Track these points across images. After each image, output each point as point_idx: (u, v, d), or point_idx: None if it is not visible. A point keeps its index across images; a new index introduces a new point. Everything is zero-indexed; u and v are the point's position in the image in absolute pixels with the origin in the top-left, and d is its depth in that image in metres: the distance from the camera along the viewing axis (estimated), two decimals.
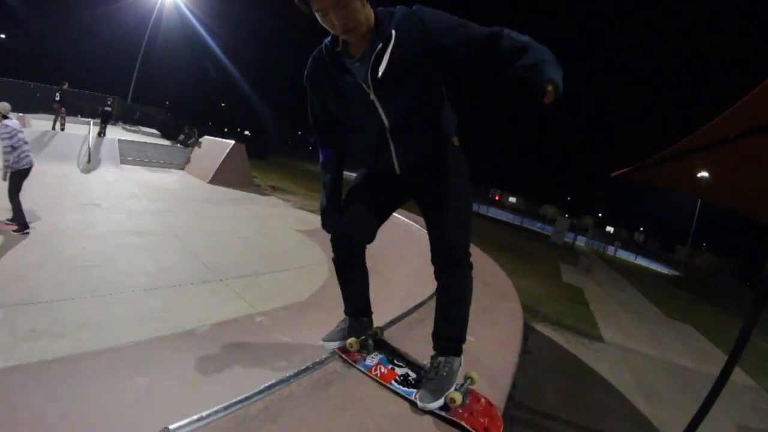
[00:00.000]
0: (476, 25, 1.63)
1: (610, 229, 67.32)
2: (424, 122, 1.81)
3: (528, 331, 5.91)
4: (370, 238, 2.09)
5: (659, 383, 5.50)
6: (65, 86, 16.38)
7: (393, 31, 1.65)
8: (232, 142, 14.70)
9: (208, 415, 1.43)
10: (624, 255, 39.68)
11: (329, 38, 1.75)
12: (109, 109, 15.75)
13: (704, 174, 3.85)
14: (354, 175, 2.16)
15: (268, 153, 38.95)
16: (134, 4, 34.80)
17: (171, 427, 1.33)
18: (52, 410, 2.10)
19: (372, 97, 1.72)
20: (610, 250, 37.31)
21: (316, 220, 10.02)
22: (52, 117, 15.37)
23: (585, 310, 9.16)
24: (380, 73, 1.66)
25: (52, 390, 2.40)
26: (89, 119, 14.56)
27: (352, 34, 1.64)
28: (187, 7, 35.52)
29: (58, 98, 15.48)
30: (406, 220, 5.83)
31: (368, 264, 2.18)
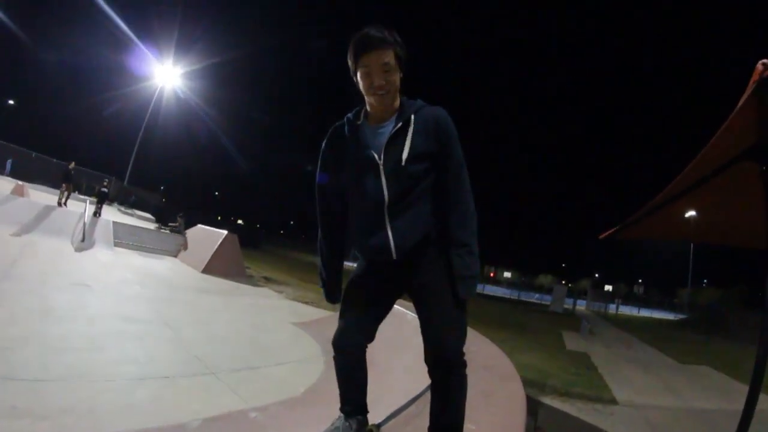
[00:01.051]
0: (465, 170, 1.96)
1: (608, 287, 66.45)
2: (421, 205, 1.89)
3: (537, 407, 5.65)
4: (371, 338, 2.13)
5: None
6: (72, 166, 16.71)
7: (412, 116, 1.89)
8: (225, 232, 14.82)
9: None
10: (626, 310, 39.14)
11: (352, 112, 2.00)
12: (105, 189, 15.98)
13: (690, 216, 3.92)
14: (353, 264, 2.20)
15: (261, 242, 39.08)
16: (139, 90, 36.66)
17: None
18: None
19: (380, 166, 1.86)
20: (612, 308, 36.51)
21: (310, 312, 9.95)
22: (51, 189, 15.65)
23: (594, 375, 8.84)
24: (405, 153, 1.84)
25: None
26: (86, 197, 14.74)
27: (382, 99, 1.86)
28: (186, 95, 37.40)
29: (65, 178, 15.93)
30: (402, 309, 5.70)
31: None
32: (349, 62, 1.85)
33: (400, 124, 1.87)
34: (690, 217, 3.98)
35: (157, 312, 6.90)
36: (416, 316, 1.96)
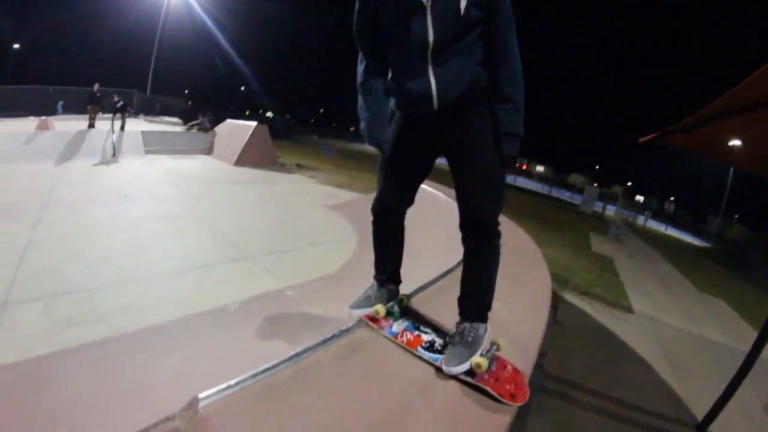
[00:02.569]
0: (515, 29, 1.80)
1: (640, 198, 65.50)
2: (467, 55, 1.75)
3: (557, 301, 5.78)
4: (411, 201, 2.09)
5: (689, 357, 5.32)
6: (96, 88, 16.66)
7: None
8: (255, 123, 14.78)
9: (237, 383, 1.44)
10: (654, 225, 38.28)
11: None
12: (121, 102, 15.67)
13: (735, 141, 3.71)
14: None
15: (291, 133, 38.99)
16: None
17: (200, 396, 1.34)
18: (92, 390, 2.15)
19: (427, 7, 1.70)
20: (641, 220, 36.02)
21: (342, 195, 10.17)
22: (76, 116, 15.85)
23: (615, 280, 8.92)
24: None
25: (92, 371, 2.46)
26: (110, 114, 14.78)
27: None
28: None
29: (91, 100, 16.03)
30: (433, 190, 5.72)
31: None
32: None
33: None
34: (734, 141, 3.70)
35: (192, 208, 7.22)
36: (448, 198, 1.89)
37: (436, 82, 1.75)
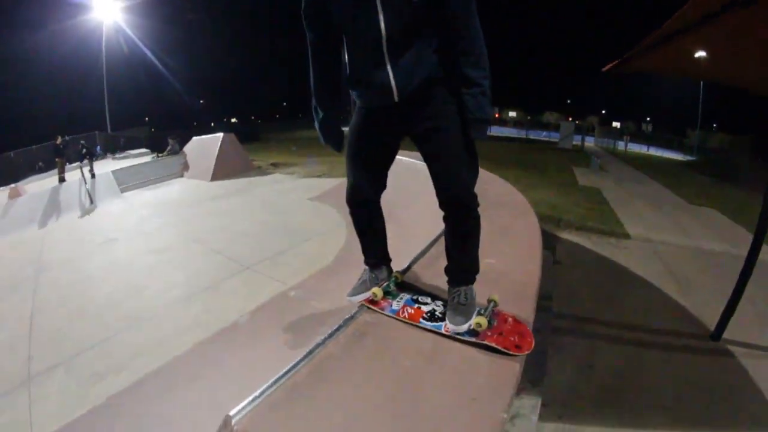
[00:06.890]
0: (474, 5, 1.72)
1: (616, 124, 64.52)
2: (425, 42, 1.71)
3: (554, 241, 5.89)
4: (383, 186, 2.12)
5: (691, 271, 5.40)
6: (59, 141, 16.40)
7: None
8: (221, 134, 14.67)
9: (261, 393, 1.54)
10: (635, 148, 37.92)
11: None
12: (84, 150, 15.40)
13: (699, 54, 3.67)
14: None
15: (260, 132, 38.57)
16: (83, 33, 33.84)
17: (231, 413, 1.44)
18: None
19: None
20: (621, 145, 35.80)
21: (324, 184, 10.20)
22: (42, 175, 15.68)
23: (606, 209, 8.96)
24: None
25: (128, 419, 2.55)
26: (78, 163, 14.61)
27: None
28: (129, 26, 34.64)
29: (56, 153, 15.92)
30: (409, 159, 5.73)
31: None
32: None
33: None
34: (698, 54, 3.66)
35: (182, 233, 7.30)
36: (425, 164, 1.89)
37: (395, 74, 1.72)
